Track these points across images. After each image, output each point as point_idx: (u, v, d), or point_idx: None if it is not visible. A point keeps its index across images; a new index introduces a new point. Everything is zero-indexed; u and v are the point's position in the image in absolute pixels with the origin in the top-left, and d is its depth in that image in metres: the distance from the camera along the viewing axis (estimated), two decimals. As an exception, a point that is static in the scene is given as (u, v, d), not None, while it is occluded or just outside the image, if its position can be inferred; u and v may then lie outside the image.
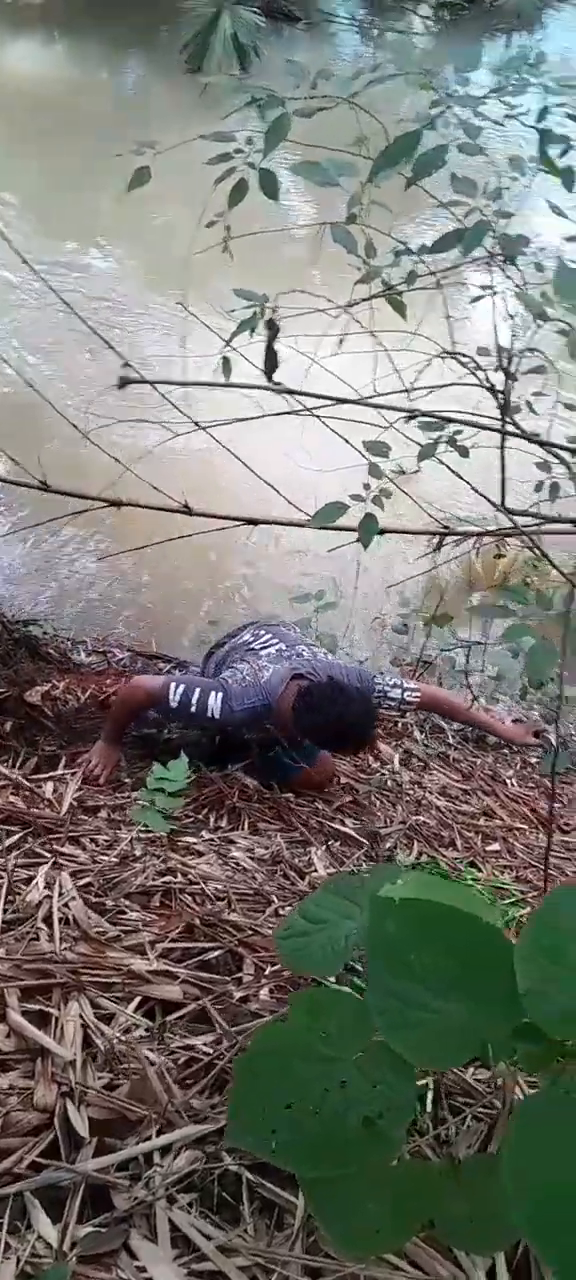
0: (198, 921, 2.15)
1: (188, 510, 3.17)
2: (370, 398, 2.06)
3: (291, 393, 1.95)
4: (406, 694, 3.32)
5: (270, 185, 2.11)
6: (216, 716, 2.88)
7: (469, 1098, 1.50)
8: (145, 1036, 1.67)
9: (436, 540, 3.33)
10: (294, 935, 1.21)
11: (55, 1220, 1.23)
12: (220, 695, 2.89)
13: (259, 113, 2.07)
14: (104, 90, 13.48)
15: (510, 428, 1.73)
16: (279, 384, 1.88)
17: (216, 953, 2.04)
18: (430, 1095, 1.49)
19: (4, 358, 5.70)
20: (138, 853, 2.43)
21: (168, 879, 2.33)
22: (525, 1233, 0.86)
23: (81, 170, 8.94)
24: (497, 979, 0.99)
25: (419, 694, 3.38)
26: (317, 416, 2.14)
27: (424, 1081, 1.49)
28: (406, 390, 1.89)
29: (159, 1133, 1.34)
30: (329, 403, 2.10)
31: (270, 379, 1.89)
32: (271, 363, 1.90)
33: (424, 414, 1.86)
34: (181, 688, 2.91)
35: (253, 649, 3.22)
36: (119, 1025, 1.70)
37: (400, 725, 4.00)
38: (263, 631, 3.32)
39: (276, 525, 3.23)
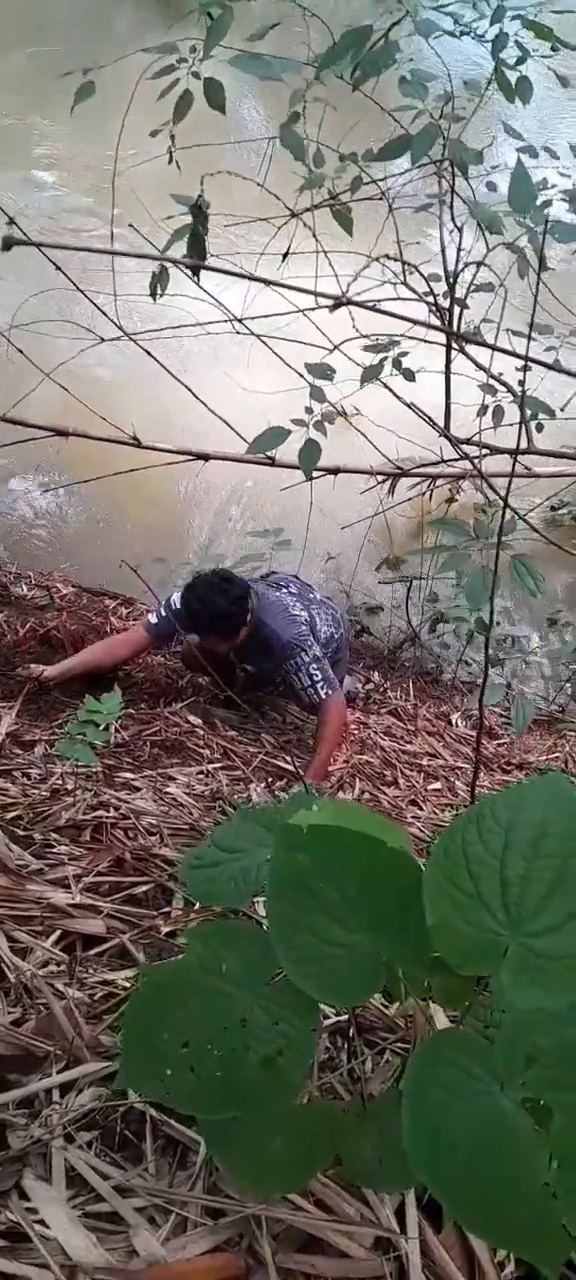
0: (128, 855, 2.10)
1: (136, 443, 3.05)
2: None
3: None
4: (311, 690, 3.06)
5: (215, 95, 1.98)
6: (179, 604, 3.16)
7: (390, 1032, 1.47)
8: (62, 971, 1.61)
9: (389, 481, 3.25)
10: (204, 865, 1.14)
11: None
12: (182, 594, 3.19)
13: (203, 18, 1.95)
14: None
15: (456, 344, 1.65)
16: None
17: (146, 887, 1.99)
18: (352, 1028, 1.45)
19: None
20: (70, 786, 2.35)
21: (99, 813, 2.26)
22: (423, 1176, 0.82)
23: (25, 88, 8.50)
24: (410, 910, 0.94)
25: (323, 703, 3.05)
26: (256, 335, 2.04)
27: (343, 1016, 1.45)
28: (342, 301, 1.79)
29: (64, 1069, 1.29)
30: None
31: (197, 268, 1.78)
32: (199, 249, 1.79)
33: (350, 302, 1.77)
34: (154, 613, 3.22)
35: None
36: (35, 959, 1.63)
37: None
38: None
39: (227, 461, 3.13)
